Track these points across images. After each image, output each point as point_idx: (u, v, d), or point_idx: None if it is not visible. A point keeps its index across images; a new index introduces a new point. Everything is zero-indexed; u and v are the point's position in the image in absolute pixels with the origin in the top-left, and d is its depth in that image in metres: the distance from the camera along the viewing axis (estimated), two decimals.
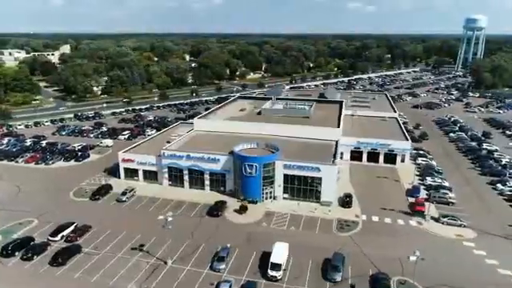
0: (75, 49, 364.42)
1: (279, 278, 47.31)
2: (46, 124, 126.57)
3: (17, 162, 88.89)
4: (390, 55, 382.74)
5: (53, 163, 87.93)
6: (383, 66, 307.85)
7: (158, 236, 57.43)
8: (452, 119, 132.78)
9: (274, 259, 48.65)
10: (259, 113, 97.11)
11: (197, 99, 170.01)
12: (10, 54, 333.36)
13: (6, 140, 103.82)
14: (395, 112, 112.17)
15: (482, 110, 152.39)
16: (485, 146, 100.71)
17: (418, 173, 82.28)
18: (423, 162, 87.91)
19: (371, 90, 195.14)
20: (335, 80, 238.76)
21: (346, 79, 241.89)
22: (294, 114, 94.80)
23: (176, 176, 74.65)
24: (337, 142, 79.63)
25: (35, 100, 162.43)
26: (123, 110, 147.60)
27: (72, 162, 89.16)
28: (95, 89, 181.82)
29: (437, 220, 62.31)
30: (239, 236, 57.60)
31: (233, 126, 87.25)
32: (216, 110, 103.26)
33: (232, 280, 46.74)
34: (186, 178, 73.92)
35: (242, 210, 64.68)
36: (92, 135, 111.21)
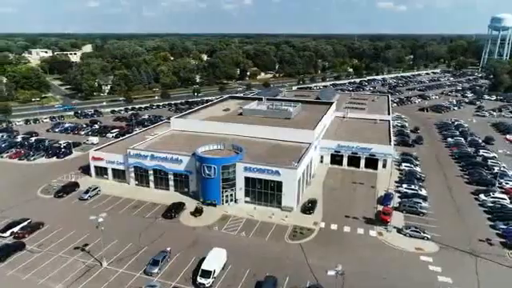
0: (98, 48, 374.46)
1: (208, 285, 45.43)
2: (45, 121, 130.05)
3: (1, 156, 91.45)
4: (412, 56, 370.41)
5: (34, 159, 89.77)
6: (401, 67, 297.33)
7: (106, 235, 56.80)
8: (456, 123, 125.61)
9: (204, 266, 46.84)
10: (241, 113, 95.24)
11: (198, 99, 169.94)
12: (37, 53, 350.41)
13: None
14: (389, 115, 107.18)
15: (494, 113, 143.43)
16: (481, 152, 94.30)
17: (397, 179, 78.19)
18: (406, 168, 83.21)
19: (380, 92, 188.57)
20: (346, 81, 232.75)
21: (358, 80, 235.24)
22: (274, 116, 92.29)
23: (142, 176, 74.11)
24: (310, 144, 76.65)
25: (44, 97, 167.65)
26: (123, 108, 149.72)
27: (54, 159, 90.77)
28: (104, 87, 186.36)
29: (400, 231, 58.39)
30: (186, 240, 56.12)
31: (209, 126, 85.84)
32: (200, 109, 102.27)
33: (158, 285, 45.32)
34: (152, 178, 73.27)
35: (197, 212, 63.16)
36: (83, 133, 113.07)
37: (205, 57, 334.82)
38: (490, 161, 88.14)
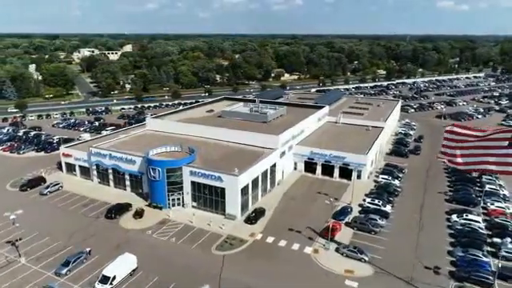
0: (142, 48, 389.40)
1: None
2: (56, 116, 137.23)
3: None
4: (458, 58, 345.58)
5: (23, 153, 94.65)
6: (438, 70, 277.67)
7: (41, 232, 58.09)
8: None
9: (105, 271, 45.87)
10: (220, 115, 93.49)
11: (210, 99, 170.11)
12: (83, 53, 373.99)
13: (5, 129, 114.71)
14: (384, 122, 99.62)
15: None
16: None
17: (369, 192, 72.19)
18: (383, 180, 76.64)
19: (403, 97, 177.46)
20: (372, 84, 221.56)
21: (385, 83, 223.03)
22: (252, 119, 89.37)
23: (103, 174, 75.07)
24: (274, 150, 73.10)
25: (68, 94, 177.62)
26: (132, 106, 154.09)
27: (42, 153, 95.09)
28: (127, 86, 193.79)
29: (338, 249, 53.50)
30: (113, 242, 55.60)
31: (181, 127, 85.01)
32: (184, 110, 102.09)
33: (55, 286, 45.08)
34: (111, 177, 73.93)
35: (137, 214, 62.49)
36: (82, 129, 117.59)
37: (237, 57, 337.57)
38: (485, 177, 78.64)
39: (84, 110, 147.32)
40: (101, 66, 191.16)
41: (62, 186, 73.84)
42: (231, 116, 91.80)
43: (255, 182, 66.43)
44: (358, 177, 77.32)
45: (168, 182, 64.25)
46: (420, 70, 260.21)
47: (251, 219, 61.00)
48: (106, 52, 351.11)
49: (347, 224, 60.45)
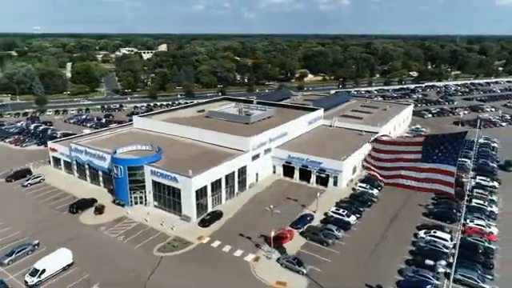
0: (180, 47, 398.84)
1: (31, 283, 45.65)
2: (72, 112, 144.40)
3: (4, 141, 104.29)
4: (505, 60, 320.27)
5: (26, 146, 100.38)
6: (476, 73, 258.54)
7: (6, 221, 61.06)
8: (483, 141, 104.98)
9: (36, 264, 47.17)
10: (207, 116, 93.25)
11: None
12: (121, 52, 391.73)
13: (20, 123, 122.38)
14: (380, 127, 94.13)
15: None
16: (478, 179, 77.40)
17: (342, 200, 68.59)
18: (360, 189, 72.47)
19: (425, 100, 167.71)
20: (397, 86, 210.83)
21: (412, 86, 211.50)
22: (235, 120, 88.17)
23: (82, 169, 77.58)
24: (245, 152, 71.70)
25: (91, 91, 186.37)
26: (145, 104, 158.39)
27: (42, 147, 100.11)
28: (150, 84, 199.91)
29: (279, 259, 51.17)
30: (65, 236, 56.96)
31: (164, 126, 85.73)
32: (176, 109, 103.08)
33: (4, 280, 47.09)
34: (87, 172, 76.23)
35: (97, 210, 63.77)
36: (88, 125, 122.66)
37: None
38: (477, 190, 71.81)
39: (99, 106, 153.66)
40: (124, 64, 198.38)
41: (43, 179, 77.27)
42: (217, 116, 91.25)
43: (217, 184, 65.42)
44: (335, 183, 73.82)
45: (130, 180, 65.06)
46: (456, 72, 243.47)
47: (205, 222, 60.14)
48: (142, 51, 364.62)
49: (302, 233, 57.78)
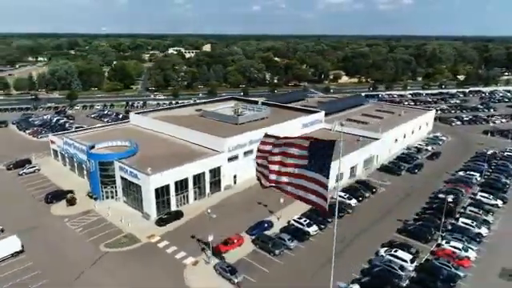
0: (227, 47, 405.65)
1: None
2: (97, 107, 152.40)
3: (25, 132, 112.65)
4: None
5: (41, 137, 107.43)
6: None
7: None
8: (506, 154, 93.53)
9: None
10: (202, 115, 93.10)
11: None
12: (169, 51, 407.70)
13: (45, 116, 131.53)
14: (381, 133, 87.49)
15: None
16: (479, 195, 68.98)
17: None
18: (339, 198, 67.67)
19: (461, 107, 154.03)
20: (435, 91, 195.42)
21: (454, 90, 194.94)
22: (226, 120, 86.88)
23: (72, 162, 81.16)
24: (220, 153, 70.45)
25: (126, 88, 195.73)
26: (167, 102, 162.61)
27: None
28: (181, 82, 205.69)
29: (215, 265, 49.28)
30: (29, 224, 59.56)
31: (156, 124, 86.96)
32: (177, 107, 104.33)
33: None
34: (75, 165, 79.58)
35: (68, 202, 66.14)
36: (105, 120, 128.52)
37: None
38: (471, 208, 63.91)
39: (124, 103, 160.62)
40: (158, 63, 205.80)
41: (38, 170, 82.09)
42: (210, 116, 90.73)
43: (182, 183, 64.89)
44: None
45: (102, 174, 66.74)
46: (509, 77, 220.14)
47: (162, 221, 59.91)
48: (188, 51, 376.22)
49: (253, 240, 55.31)
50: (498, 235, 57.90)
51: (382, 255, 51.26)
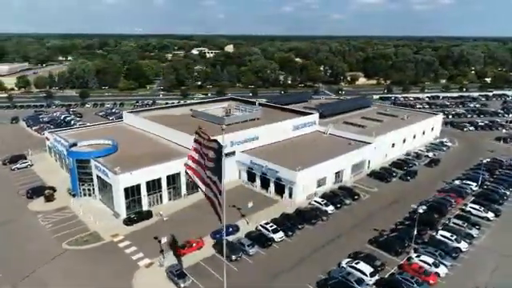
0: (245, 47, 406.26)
1: None
2: (107, 105, 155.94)
3: (31, 128, 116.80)
4: None
5: (43, 134, 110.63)
6: None
7: None
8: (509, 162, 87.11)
9: None
10: (193, 115, 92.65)
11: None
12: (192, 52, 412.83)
13: (56, 113, 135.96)
14: (374, 138, 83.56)
15: None
16: (469, 206, 64.20)
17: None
18: (315, 204, 65.15)
19: (478, 112, 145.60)
20: (455, 94, 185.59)
21: (476, 94, 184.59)
22: (213, 120, 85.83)
23: (61, 158, 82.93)
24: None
25: (140, 87, 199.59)
26: (176, 101, 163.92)
27: None
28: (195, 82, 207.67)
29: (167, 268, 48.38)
30: (3, 219, 61.06)
31: (144, 124, 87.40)
32: (170, 107, 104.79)
33: None
34: (63, 161, 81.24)
35: (46, 198, 67.35)
36: (111, 118, 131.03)
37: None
38: (455, 221, 59.57)
39: (134, 101, 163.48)
40: (175, 63, 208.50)
41: (31, 165, 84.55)
42: (200, 116, 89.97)
43: (155, 183, 64.58)
44: (290, 195, 67.70)
45: (79, 172, 67.62)
46: None
47: (130, 221, 59.79)
48: (211, 51, 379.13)
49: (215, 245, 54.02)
50: (479, 251, 53.57)
51: (343, 266, 48.52)
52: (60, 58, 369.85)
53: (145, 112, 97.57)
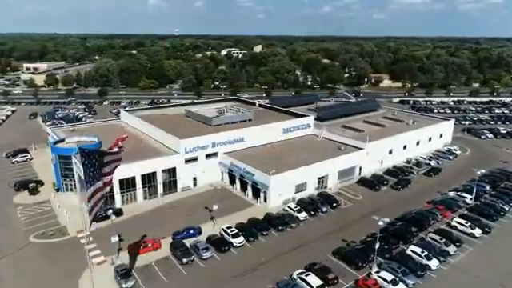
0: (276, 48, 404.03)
1: None
2: (123, 104, 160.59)
3: (45, 123, 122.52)
4: None
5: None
6: None
7: None
8: None
9: None
10: (187, 115, 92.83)
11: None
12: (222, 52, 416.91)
13: (71, 110, 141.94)
14: (367, 143, 79.43)
15: None
16: (455, 221, 59.24)
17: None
18: (288, 210, 62.88)
19: (501, 117, 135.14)
20: (485, 99, 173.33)
21: (508, 99, 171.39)
22: (203, 121, 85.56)
23: None
24: (176, 153, 69.67)
25: (161, 87, 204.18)
26: (189, 100, 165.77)
27: None
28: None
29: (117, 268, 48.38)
30: None
31: (138, 122, 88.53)
32: (169, 106, 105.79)
33: None
34: None
35: (30, 192, 69.94)
36: None
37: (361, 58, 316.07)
38: (432, 236, 55.08)
39: (150, 100, 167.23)
40: (189, 63, 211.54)
41: (30, 159, 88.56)
42: (192, 117, 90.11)
43: (129, 181, 65.13)
44: (265, 199, 65.90)
45: (61, 167, 69.68)
46: None
47: (98, 217, 60.51)
48: (239, 51, 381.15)
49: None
50: (452, 270, 49.25)
51: (293, 278, 46.26)
52: (96, 58, 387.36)
53: (141, 111, 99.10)
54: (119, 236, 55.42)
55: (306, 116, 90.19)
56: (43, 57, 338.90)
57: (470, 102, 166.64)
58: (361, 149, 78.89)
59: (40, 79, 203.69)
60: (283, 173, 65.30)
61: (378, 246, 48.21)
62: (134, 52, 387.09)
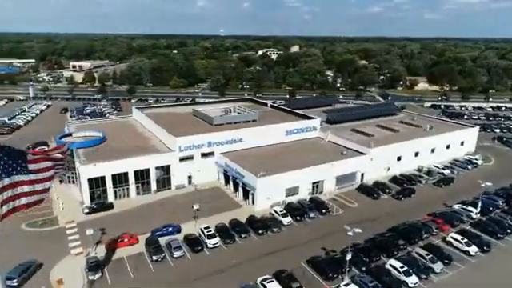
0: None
1: None
2: (150, 101, 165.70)
3: (72, 118, 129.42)
4: None
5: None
6: None
7: None
8: None
9: None
10: (194, 114, 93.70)
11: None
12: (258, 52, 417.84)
13: (100, 106, 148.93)
14: (371, 148, 75.62)
15: None
16: (450, 237, 54.60)
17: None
18: (274, 214, 61.36)
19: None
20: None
21: None
22: (205, 119, 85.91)
23: None
24: (171, 151, 70.63)
25: (190, 85, 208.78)
26: (212, 100, 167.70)
27: None
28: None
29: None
30: None
31: (145, 120, 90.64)
32: (179, 105, 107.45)
33: None
34: None
35: None
36: None
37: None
38: (419, 251, 51.09)
39: (175, 98, 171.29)
40: (218, 63, 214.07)
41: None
42: (198, 116, 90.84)
43: (121, 177, 66.82)
44: (253, 202, 64.87)
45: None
46: None
47: (90, 210, 62.85)
48: (274, 51, 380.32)
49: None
50: None
51: (256, 283, 44.98)
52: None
53: (151, 109, 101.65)
54: (103, 230, 57.38)
55: (312, 118, 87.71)
56: (90, 55, 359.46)
57: (510, 109, 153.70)
58: (364, 154, 75.34)
59: (79, 76, 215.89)
60: (272, 175, 63.85)
61: (349, 257, 45.54)
62: (175, 51, 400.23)
